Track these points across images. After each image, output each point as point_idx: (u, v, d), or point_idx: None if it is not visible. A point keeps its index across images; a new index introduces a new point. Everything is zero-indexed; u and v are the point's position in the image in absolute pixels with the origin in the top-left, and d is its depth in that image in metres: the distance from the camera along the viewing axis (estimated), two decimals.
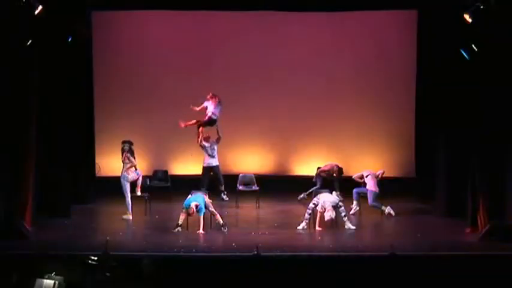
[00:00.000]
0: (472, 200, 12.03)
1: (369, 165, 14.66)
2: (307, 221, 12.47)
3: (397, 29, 15.77)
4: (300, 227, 12.47)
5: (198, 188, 13.69)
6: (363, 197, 13.84)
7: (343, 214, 12.51)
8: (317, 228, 12.39)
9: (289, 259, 10.61)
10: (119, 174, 13.20)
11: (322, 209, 12.31)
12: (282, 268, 10.46)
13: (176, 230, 12.15)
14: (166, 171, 15.29)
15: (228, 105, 15.59)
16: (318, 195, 12.67)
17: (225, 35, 15.89)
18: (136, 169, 13.26)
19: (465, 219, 12.24)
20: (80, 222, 12.97)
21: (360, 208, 13.82)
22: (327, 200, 12.40)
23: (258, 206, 14.39)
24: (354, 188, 13.96)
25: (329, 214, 12.20)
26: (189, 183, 14.29)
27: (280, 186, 15.46)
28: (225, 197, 14.76)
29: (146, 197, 13.60)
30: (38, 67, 12.12)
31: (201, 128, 14.73)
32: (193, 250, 10.95)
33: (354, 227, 12.52)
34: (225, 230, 12.23)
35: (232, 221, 12.96)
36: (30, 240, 11.39)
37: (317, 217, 12.38)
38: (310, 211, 12.44)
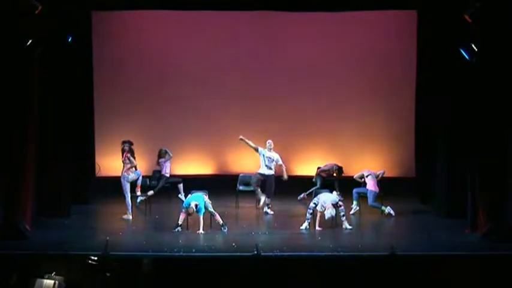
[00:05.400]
0: (472, 200, 12.02)
1: (369, 165, 14.67)
2: (309, 220, 12.48)
3: (397, 29, 15.76)
4: (302, 227, 12.48)
5: (198, 188, 13.68)
6: (363, 197, 13.84)
7: (341, 213, 12.53)
8: (317, 228, 12.38)
9: (289, 259, 10.60)
10: (119, 174, 13.20)
11: (322, 208, 12.32)
12: (282, 268, 10.46)
13: (176, 230, 12.15)
14: None
15: (228, 105, 15.63)
16: (318, 195, 12.68)
17: (225, 35, 15.88)
18: (136, 169, 13.26)
19: (465, 219, 12.23)
20: (80, 222, 12.97)
21: (360, 208, 13.83)
22: (327, 199, 12.41)
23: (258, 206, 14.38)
24: (354, 188, 13.96)
25: (329, 212, 12.22)
26: (189, 183, 14.30)
27: (280, 186, 15.43)
28: (268, 210, 13.88)
29: (146, 197, 13.58)
30: (37, 67, 12.10)
31: None
32: (193, 250, 10.94)
33: (350, 227, 12.54)
34: (225, 230, 12.22)
35: (232, 221, 12.95)
36: (30, 240, 11.39)
37: (317, 217, 12.38)
38: (311, 211, 12.45)
